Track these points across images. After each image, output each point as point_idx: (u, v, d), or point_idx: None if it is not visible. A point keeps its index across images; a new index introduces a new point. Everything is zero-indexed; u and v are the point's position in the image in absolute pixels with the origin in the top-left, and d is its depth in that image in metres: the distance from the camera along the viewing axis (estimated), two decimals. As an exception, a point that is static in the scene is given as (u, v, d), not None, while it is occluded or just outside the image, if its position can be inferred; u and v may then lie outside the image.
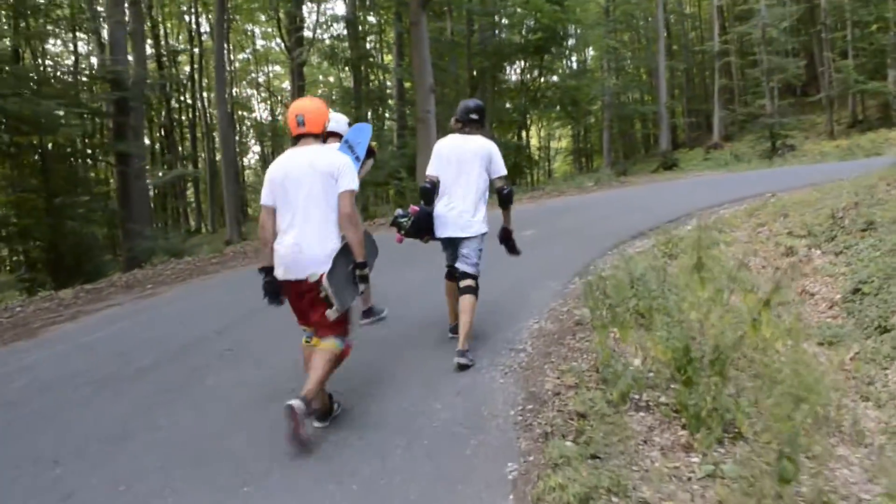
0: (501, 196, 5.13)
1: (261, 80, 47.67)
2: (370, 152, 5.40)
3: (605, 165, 33.72)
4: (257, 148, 53.28)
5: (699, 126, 42.48)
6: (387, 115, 29.67)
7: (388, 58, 30.91)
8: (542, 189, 21.86)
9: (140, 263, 12.53)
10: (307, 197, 3.78)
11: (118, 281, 9.72)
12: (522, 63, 28.94)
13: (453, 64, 28.00)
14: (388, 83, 30.82)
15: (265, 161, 52.00)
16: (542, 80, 28.51)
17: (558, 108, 33.20)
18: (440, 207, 5.07)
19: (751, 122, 30.61)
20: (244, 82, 48.01)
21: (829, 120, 28.93)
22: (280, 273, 3.83)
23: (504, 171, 5.17)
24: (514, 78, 33.14)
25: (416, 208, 5.10)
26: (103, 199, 16.44)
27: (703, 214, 11.98)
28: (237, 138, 47.41)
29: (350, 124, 5.44)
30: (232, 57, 43.65)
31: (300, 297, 3.88)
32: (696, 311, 4.42)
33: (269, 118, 48.58)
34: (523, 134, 32.41)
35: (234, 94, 45.61)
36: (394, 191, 21.53)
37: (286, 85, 38.88)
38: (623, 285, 6.60)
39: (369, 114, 26.78)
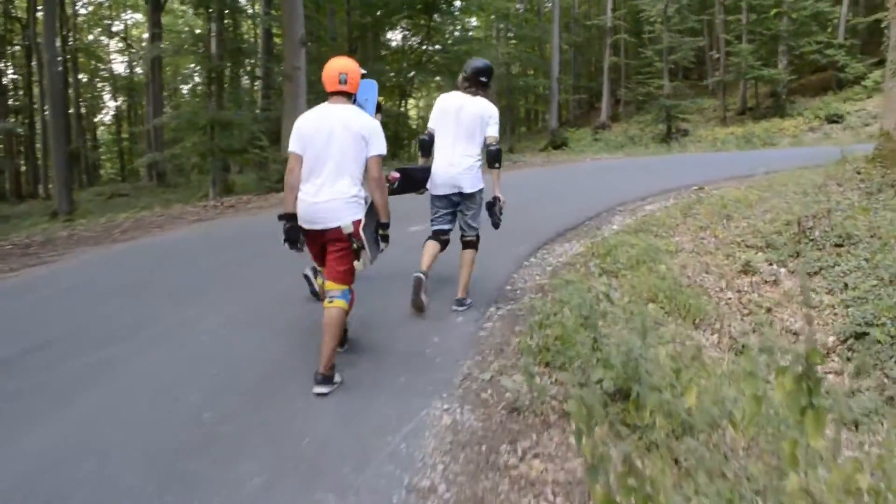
0: (490, 151, 5.04)
1: (117, 28, 42.26)
2: (378, 108, 5.29)
3: (490, 141, 31.67)
4: (113, 103, 47.58)
5: (581, 105, 41.36)
6: (257, 71, 25.99)
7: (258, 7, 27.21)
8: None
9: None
10: (339, 153, 3.88)
11: None
12: (407, 23, 26.16)
13: (331, 19, 24.97)
14: (260, 40, 27.23)
15: (119, 118, 46.70)
16: (429, 43, 25.80)
17: (438, 78, 30.76)
18: (438, 165, 5.08)
19: (648, 102, 29.35)
20: (98, 29, 42.34)
21: (722, 106, 28.10)
22: (308, 223, 3.92)
23: (497, 134, 5.06)
24: (394, 44, 30.40)
25: (397, 175, 5.07)
26: None
27: (626, 209, 9.98)
28: (91, 93, 42.26)
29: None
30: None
31: (322, 245, 3.99)
32: (797, 469, 2.13)
33: (127, 71, 43.35)
34: (404, 102, 29.85)
35: (88, 40, 40.36)
36: (253, 162, 18.45)
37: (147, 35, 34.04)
38: (571, 338, 4.36)
39: (228, 70, 23.08)
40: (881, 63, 27.24)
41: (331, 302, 3.93)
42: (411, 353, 4.47)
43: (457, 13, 27.11)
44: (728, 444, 3.13)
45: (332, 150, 3.88)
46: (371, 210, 4.08)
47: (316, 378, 3.81)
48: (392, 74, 26.09)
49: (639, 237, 7.88)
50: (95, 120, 47.33)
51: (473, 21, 37.15)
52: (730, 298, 6.77)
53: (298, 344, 4.56)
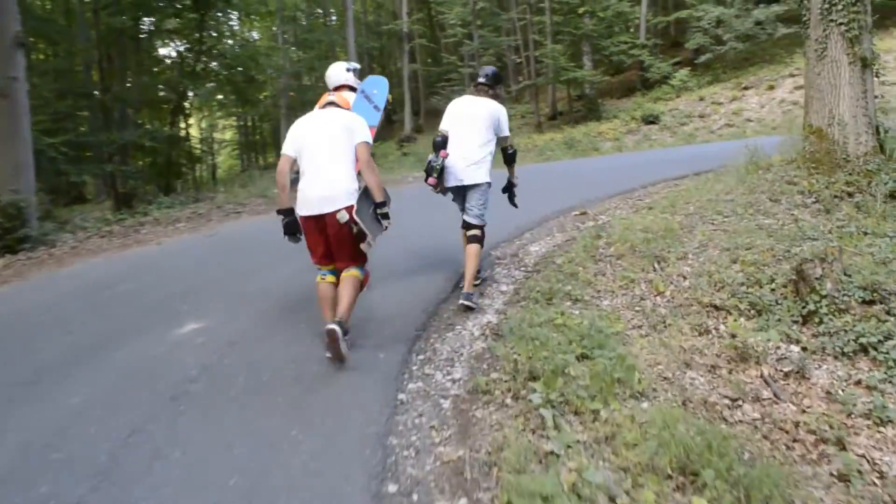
0: (506, 154, 5.76)
1: None
2: (386, 104, 5.80)
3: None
4: None
5: (378, 117, 38.57)
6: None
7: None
8: (210, 198, 15.16)
9: None
10: (330, 146, 4.22)
11: None
12: (178, 24, 21.67)
13: (83, 22, 20.03)
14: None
15: None
16: (205, 49, 21.43)
17: (221, 96, 26.54)
18: (450, 160, 5.40)
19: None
20: None
21: (535, 111, 26.32)
22: (307, 210, 4.18)
23: (508, 133, 5.60)
24: (169, 62, 25.71)
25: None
26: None
27: (505, 254, 6.98)
28: None
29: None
30: None
31: (325, 230, 4.20)
32: None
33: None
34: (182, 123, 25.24)
35: None
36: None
37: None
38: None
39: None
40: (680, 63, 26.99)
41: (348, 272, 4.28)
42: None
43: (232, 14, 23.04)
44: None
45: (323, 143, 4.23)
46: (366, 193, 4.23)
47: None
48: (160, 89, 21.56)
49: (561, 311, 4.85)
50: None
51: (254, 35, 33.36)
52: (759, 420, 3.87)
53: None
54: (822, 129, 7.51)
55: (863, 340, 4.42)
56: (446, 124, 5.55)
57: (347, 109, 4.56)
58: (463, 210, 5.54)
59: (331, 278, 4.25)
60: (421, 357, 4.35)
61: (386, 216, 4.30)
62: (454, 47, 30.19)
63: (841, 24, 7.27)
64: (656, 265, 6.06)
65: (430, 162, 5.40)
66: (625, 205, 8.93)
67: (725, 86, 24.52)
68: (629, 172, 12.08)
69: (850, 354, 4.44)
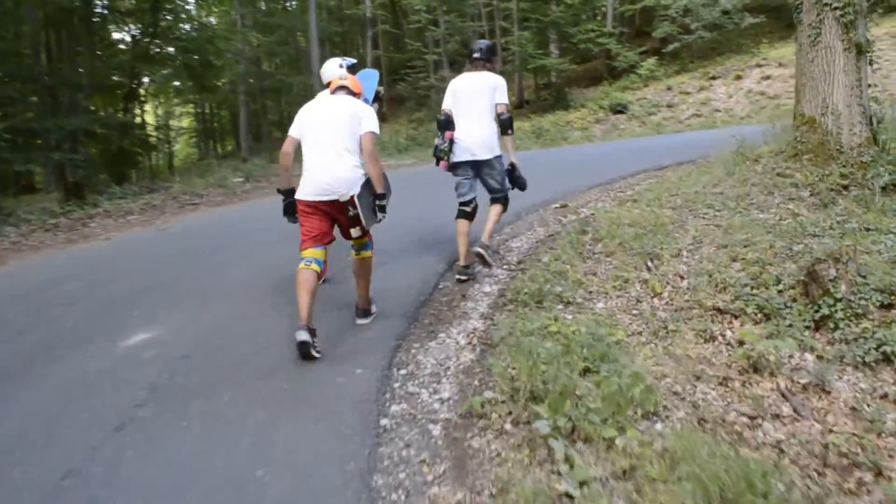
0: (501, 120, 5.51)
1: None
2: (376, 97, 5.81)
3: (244, 151, 27.01)
4: None
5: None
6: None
7: None
8: (163, 190, 14.37)
9: None
10: (336, 132, 4.21)
11: None
12: (131, 6, 20.70)
13: (30, 5, 18.92)
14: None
15: None
16: (160, 31, 20.48)
17: (178, 79, 25.52)
18: (458, 136, 5.46)
19: (429, 97, 26.29)
20: None
21: (503, 100, 25.87)
22: (309, 195, 4.18)
23: (506, 101, 5.53)
24: (123, 47, 24.64)
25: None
26: None
27: (487, 251, 6.48)
28: None
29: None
30: None
31: (326, 214, 4.24)
32: None
33: None
34: (136, 109, 24.24)
35: None
36: None
37: None
38: None
39: None
40: (647, 52, 26.76)
41: (358, 254, 4.53)
42: None
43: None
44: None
45: (330, 130, 4.21)
46: (369, 182, 4.21)
47: (357, 313, 4.66)
48: (113, 73, 20.55)
49: (554, 317, 4.40)
50: None
51: (213, 20, 32.27)
52: (783, 442, 3.46)
53: None
54: (814, 118, 7.17)
55: (885, 349, 4.05)
56: (449, 103, 5.63)
57: (359, 94, 4.60)
58: (462, 186, 5.62)
59: (315, 267, 4.13)
60: (403, 372, 3.86)
61: (383, 209, 4.29)
62: (418, 34, 29.59)
63: (836, 8, 6.93)
64: (650, 263, 5.64)
65: (437, 146, 5.51)
66: (606, 197, 8.54)
67: (693, 75, 24.38)
68: (604, 163, 11.74)
69: (872, 364, 4.06)
